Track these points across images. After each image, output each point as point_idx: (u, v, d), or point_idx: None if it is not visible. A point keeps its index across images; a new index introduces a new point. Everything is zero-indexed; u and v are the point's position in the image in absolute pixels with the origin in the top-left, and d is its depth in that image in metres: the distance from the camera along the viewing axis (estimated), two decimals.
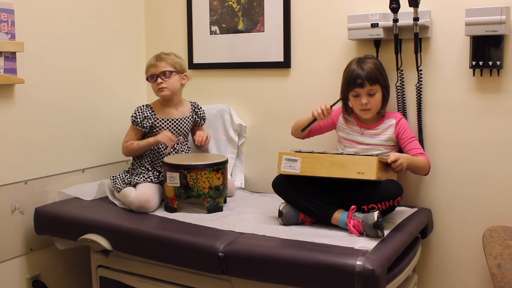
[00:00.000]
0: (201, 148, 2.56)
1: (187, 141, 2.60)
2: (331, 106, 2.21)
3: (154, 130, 2.49)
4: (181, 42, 2.91)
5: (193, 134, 2.64)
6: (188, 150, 2.59)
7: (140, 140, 2.49)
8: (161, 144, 2.47)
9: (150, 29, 3.02)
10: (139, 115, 2.46)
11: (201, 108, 2.64)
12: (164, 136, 2.43)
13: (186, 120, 2.56)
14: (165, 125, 2.49)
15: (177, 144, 2.50)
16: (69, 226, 2.27)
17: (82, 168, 2.67)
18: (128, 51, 2.92)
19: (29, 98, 2.40)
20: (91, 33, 2.70)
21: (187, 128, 2.56)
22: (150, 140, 2.44)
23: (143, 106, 2.50)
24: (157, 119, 2.49)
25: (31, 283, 2.45)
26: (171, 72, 2.48)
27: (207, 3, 2.81)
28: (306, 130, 2.29)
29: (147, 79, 2.53)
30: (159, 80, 2.46)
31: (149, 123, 2.46)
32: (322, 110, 2.19)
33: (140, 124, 2.46)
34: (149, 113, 2.48)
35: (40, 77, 2.44)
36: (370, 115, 2.27)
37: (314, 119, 2.23)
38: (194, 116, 2.60)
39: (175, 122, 2.51)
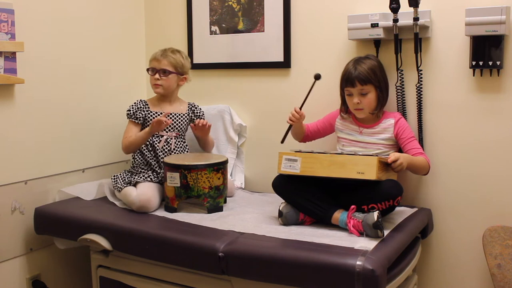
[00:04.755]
0: (203, 135, 2.55)
1: (184, 140, 2.59)
2: (300, 108, 2.25)
3: (148, 124, 2.49)
4: (181, 42, 2.91)
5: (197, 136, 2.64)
6: (187, 149, 2.59)
7: None
8: (155, 138, 2.48)
9: (150, 29, 3.02)
10: (133, 107, 2.52)
11: (199, 107, 2.64)
12: (154, 120, 2.40)
13: (182, 117, 2.56)
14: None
15: (171, 138, 2.50)
16: (69, 226, 2.28)
17: (82, 168, 2.67)
18: (128, 51, 2.92)
19: (29, 98, 2.40)
20: (91, 33, 2.70)
21: (182, 125, 2.56)
22: (146, 129, 2.45)
23: (137, 100, 2.55)
24: (151, 111, 2.52)
25: (31, 283, 2.45)
26: (170, 72, 2.50)
27: (207, 3, 2.81)
28: (284, 140, 2.26)
29: (147, 69, 2.56)
30: (157, 76, 2.51)
31: (142, 114, 2.50)
32: (292, 115, 2.25)
33: (133, 116, 2.50)
34: (143, 105, 2.53)
35: (40, 77, 2.44)
36: (363, 115, 2.27)
37: (290, 126, 2.27)
38: (191, 115, 2.61)
39: (169, 115, 2.52)
